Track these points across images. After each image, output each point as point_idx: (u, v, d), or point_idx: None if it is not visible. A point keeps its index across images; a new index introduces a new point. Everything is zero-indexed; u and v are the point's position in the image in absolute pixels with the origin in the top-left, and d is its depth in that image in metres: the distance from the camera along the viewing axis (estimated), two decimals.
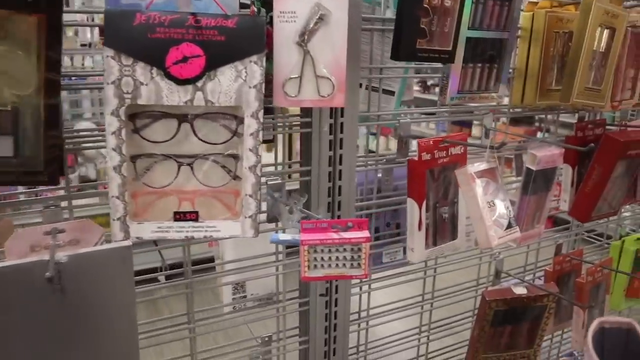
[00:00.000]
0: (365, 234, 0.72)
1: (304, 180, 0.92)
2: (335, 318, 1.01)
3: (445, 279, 1.16)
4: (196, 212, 0.72)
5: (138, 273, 0.72)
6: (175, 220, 0.72)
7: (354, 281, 1.04)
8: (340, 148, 0.91)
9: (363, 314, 1.08)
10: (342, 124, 0.90)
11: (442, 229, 0.95)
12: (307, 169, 0.91)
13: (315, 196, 0.92)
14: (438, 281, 1.14)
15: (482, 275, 1.22)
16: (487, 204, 0.79)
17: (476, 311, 1.16)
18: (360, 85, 0.93)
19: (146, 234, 0.71)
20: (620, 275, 1.23)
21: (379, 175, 1.03)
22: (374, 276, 1.06)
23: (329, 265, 0.73)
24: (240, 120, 0.70)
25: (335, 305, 1.01)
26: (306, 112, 0.89)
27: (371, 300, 1.07)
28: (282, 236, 0.73)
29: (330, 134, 0.90)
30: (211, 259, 2.11)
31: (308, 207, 0.93)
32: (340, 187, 0.93)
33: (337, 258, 0.73)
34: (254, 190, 0.72)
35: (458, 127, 4.23)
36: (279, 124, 0.89)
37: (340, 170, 0.92)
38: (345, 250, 0.73)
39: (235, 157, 0.72)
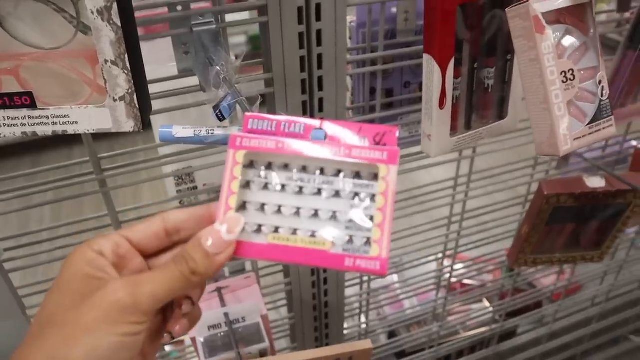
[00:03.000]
0: (393, 148, 0.33)
1: (261, 22, 0.57)
2: None
3: (487, 160, 0.82)
4: (29, 94, 0.42)
5: None
6: None
7: None
8: None
9: None
10: None
11: (483, 102, 0.60)
12: (262, 4, 0.55)
13: (279, 47, 0.58)
14: (479, 162, 0.82)
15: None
16: (560, 76, 0.43)
17: (529, 202, 0.85)
18: None
19: None
20: None
21: (394, 10, 0.65)
22: None
23: (292, 230, 0.34)
24: None
25: None
26: None
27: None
28: (177, 131, 0.42)
29: None
30: None
31: (269, 69, 0.59)
32: (319, 32, 0.58)
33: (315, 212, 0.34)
34: (118, 54, 0.40)
35: None
36: None
37: (317, 5, 0.56)
38: (337, 193, 0.34)
39: None
